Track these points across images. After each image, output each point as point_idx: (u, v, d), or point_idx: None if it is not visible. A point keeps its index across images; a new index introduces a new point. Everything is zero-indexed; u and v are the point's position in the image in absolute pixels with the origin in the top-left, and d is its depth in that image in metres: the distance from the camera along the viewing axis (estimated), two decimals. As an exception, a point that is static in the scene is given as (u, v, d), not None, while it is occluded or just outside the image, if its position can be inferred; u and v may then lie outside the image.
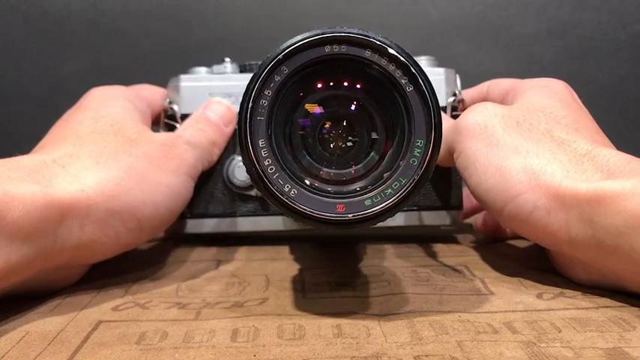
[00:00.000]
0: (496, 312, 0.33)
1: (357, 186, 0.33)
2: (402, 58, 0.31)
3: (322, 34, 0.30)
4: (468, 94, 0.51)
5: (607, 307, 0.33)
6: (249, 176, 0.31)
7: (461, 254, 0.47)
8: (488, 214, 0.51)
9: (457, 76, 0.52)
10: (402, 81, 0.31)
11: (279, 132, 0.32)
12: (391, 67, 0.31)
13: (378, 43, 0.31)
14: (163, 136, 0.45)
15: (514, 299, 0.35)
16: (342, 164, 0.34)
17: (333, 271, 0.42)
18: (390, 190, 0.31)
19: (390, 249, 0.49)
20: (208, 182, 0.50)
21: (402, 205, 0.31)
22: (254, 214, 0.50)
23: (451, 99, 0.51)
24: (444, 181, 0.51)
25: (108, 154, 0.39)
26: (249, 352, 0.28)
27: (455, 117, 0.45)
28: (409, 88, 0.31)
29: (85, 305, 0.36)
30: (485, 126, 0.39)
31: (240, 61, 0.52)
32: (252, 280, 0.40)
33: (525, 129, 0.38)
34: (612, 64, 0.81)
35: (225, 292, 0.38)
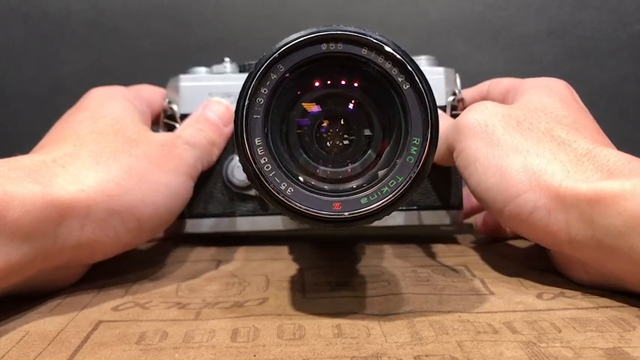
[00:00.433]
0: (496, 312, 0.33)
1: (353, 184, 0.33)
2: (398, 56, 0.31)
3: (319, 32, 0.30)
4: (468, 93, 0.51)
5: (607, 307, 0.33)
6: (245, 175, 0.31)
7: (461, 254, 0.47)
8: (488, 214, 0.51)
9: (457, 75, 0.52)
10: (399, 79, 0.31)
11: (275, 130, 0.32)
12: (388, 65, 0.31)
13: (374, 41, 0.31)
14: (163, 136, 0.45)
15: (514, 299, 0.35)
16: (338, 162, 0.34)
17: (333, 271, 0.42)
18: (386, 189, 0.31)
19: (389, 249, 0.49)
20: (208, 182, 0.50)
21: (398, 203, 0.31)
22: (253, 213, 0.50)
23: (451, 98, 0.51)
24: (443, 181, 0.51)
25: (108, 154, 0.39)
26: (249, 352, 0.28)
27: (454, 116, 0.45)
28: (406, 86, 0.31)
29: (85, 305, 0.36)
30: (486, 125, 0.39)
31: (240, 61, 0.52)
32: (252, 280, 0.40)
33: (526, 128, 0.38)
34: (612, 64, 0.81)
35: (225, 292, 0.38)
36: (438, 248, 0.49)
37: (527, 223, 0.36)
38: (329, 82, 0.33)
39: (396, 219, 0.50)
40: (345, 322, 0.32)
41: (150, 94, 0.50)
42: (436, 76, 0.50)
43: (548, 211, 0.35)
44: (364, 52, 0.31)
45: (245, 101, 0.30)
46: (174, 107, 0.50)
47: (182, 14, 0.81)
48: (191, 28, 0.81)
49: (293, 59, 0.31)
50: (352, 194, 0.31)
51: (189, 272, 0.43)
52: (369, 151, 0.34)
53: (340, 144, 0.34)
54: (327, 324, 0.32)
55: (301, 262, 0.46)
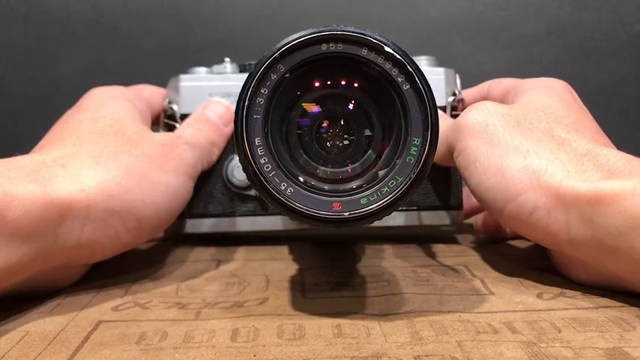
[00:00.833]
0: (496, 312, 0.33)
1: (353, 184, 0.33)
2: (398, 57, 0.31)
3: (319, 32, 0.30)
4: (468, 93, 0.51)
5: (607, 307, 0.33)
6: (245, 175, 0.31)
7: (461, 254, 0.47)
8: (488, 214, 0.51)
9: (457, 75, 0.52)
10: (399, 79, 0.31)
11: (275, 130, 0.32)
12: (388, 66, 0.31)
13: (374, 41, 0.31)
14: (163, 136, 0.45)
15: (514, 299, 0.35)
16: (338, 163, 0.34)
17: (333, 271, 0.42)
18: (386, 189, 0.31)
19: (389, 249, 0.49)
20: (208, 182, 0.50)
21: (398, 203, 0.31)
22: (253, 213, 0.50)
23: (451, 98, 0.51)
24: (443, 181, 0.51)
25: (108, 154, 0.39)
26: (249, 352, 0.28)
27: (454, 117, 0.45)
28: (406, 87, 0.31)
29: (85, 305, 0.36)
30: (486, 125, 0.39)
31: (240, 61, 0.52)
32: (252, 280, 0.40)
33: (526, 128, 0.38)
34: (612, 64, 0.81)
35: (225, 292, 0.38)
36: (438, 248, 0.49)
37: (528, 223, 0.36)
38: (329, 83, 0.33)
39: (396, 219, 0.50)
40: (345, 322, 0.32)
41: (150, 94, 0.50)
42: (436, 76, 0.50)
43: (549, 211, 0.35)
44: (364, 52, 0.31)
45: (245, 101, 0.30)
46: (175, 107, 0.50)
47: (182, 14, 0.81)
48: (191, 28, 0.81)
49: (293, 59, 0.31)
50: (352, 194, 0.31)
51: (189, 272, 0.43)
52: (369, 152, 0.34)
53: (340, 144, 0.34)
54: (327, 324, 0.32)
55: (301, 262, 0.46)
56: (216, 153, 0.48)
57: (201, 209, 0.50)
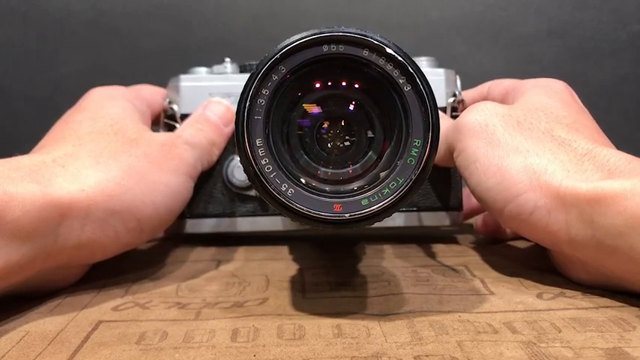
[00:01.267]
0: (496, 312, 0.33)
1: (354, 185, 0.33)
2: (399, 58, 0.31)
3: (320, 33, 0.30)
4: (468, 94, 0.51)
5: (607, 307, 0.33)
6: (246, 175, 0.31)
7: (461, 254, 0.47)
8: (488, 214, 0.51)
9: (457, 77, 0.52)
10: (400, 81, 0.31)
11: (276, 131, 0.32)
12: (389, 67, 0.31)
13: (375, 42, 0.31)
14: (163, 136, 0.45)
15: (514, 299, 0.35)
16: (339, 164, 0.34)
17: (333, 271, 0.42)
18: (387, 190, 0.31)
19: (389, 249, 0.49)
20: (208, 182, 0.50)
21: (399, 205, 0.31)
22: (253, 214, 0.50)
23: (451, 99, 0.51)
24: (443, 182, 0.51)
25: (108, 154, 0.39)
26: (249, 352, 0.28)
27: (455, 118, 0.45)
28: (407, 88, 0.31)
29: (85, 305, 0.36)
30: (486, 125, 0.39)
31: (241, 61, 0.52)
32: (252, 280, 0.40)
33: (526, 128, 0.38)
34: (612, 64, 0.81)
35: (225, 292, 0.38)
36: (438, 248, 0.49)
37: (528, 223, 0.36)
38: (330, 84, 0.33)
39: (396, 220, 0.50)
40: (345, 322, 0.32)
41: (150, 94, 0.50)
42: (436, 77, 0.50)
43: (549, 211, 0.35)
44: (365, 53, 0.31)
45: (246, 102, 0.30)
46: (175, 107, 0.50)
47: (182, 14, 0.81)
48: (191, 28, 0.81)
49: (294, 60, 0.31)
50: (353, 195, 0.31)
51: (189, 272, 0.43)
52: (370, 153, 0.34)
53: (341, 145, 0.34)
54: (327, 324, 0.32)
55: (301, 262, 0.46)
56: (216, 153, 0.48)
57: (201, 209, 0.50)
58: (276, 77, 0.31)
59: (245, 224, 0.51)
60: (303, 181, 0.32)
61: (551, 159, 0.36)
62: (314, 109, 0.33)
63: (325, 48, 0.31)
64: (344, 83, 0.33)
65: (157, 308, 0.35)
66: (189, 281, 0.41)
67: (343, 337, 0.30)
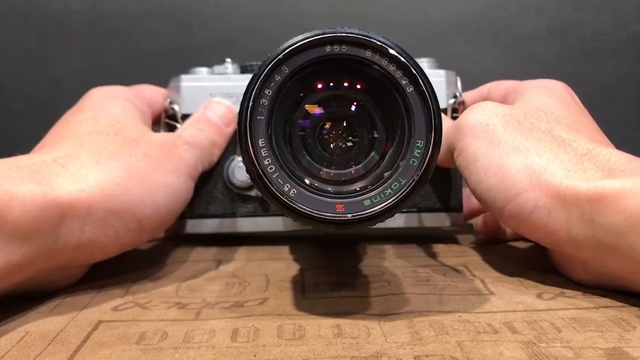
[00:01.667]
0: (496, 312, 0.33)
1: (357, 186, 0.33)
2: (402, 59, 0.31)
3: (323, 34, 0.30)
4: (469, 96, 0.51)
5: (607, 307, 0.33)
6: (248, 176, 0.31)
7: (461, 254, 0.47)
8: (488, 215, 0.51)
9: (458, 78, 0.52)
10: (403, 82, 0.31)
11: (279, 132, 0.32)
12: (392, 68, 0.31)
13: (378, 43, 0.31)
14: (163, 136, 0.45)
15: (514, 299, 0.35)
16: (342, 164, 0.34)
17: (333, 271, 0.42)
18: (389, 191, 0.31)
19: (390, 249, 0.49)
20: (208, 182, 0.50)
21: (401, 205, 0.31)
22: (254, 214, 0.50)
23: (452, 101, 0.51)
24: (443, 183, 0.51)
25: (108, 154, 0.39)
26: (249, 352, 0.28)
27: (455, 119, 0.45)
28: (409, 89, 0.31)
29: (85, 305, 0.36)
30: (487, 124, 0.39)
31: (241, 62, 0.52)
32: (252, 280, 0.40)
33: (526, 128, 0.38)
34: (612, 64, 0.81)
35: (225, 292, 0.38)
36: (439, 248, 0.49)
37: (528, 223, 0.36)
38: (332, 84, 0.33)
39: (396, 221, 0.50)
40: (345, 322, 0.32)
41: (150, 94, 0.50)
42: (437, 78, 0.50)
43: (549, 211, 0.35)
44: (368, 54, 0.31)
45: (249, 102, 0.30)
46: (176, 107, 0.50)
47: (182, 14, 0.81)
48: (191, 28, 0.81)
49: (297, 61, 0.31)
50: (355, 196, 0.31)
51: (189, 272, 0.43)
52: (372, 153, 0.34)
53: (343, 146, 0.34)
54: (327, 324, 0.32)
55: (301, 262, 0.46)
56: (217, 153, 0.48)
57: (202, 210, 0.50)
58: (279, 77, 0.31)
59: (246, 225, 0.51)
60: (305, 181, 0.32)
61: (551, 158, 0.36)
62: (316, 109, 0.33)
63: (328, 48, 0.31)
64: (346, 84, 0.33)
65: (157, 308, 0.35)
66: (190, 281, 0.41)
67: (343, 337, 0.30)
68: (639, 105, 0.82)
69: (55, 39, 0.80)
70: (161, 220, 0.42)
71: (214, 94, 0.50)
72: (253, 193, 0.50)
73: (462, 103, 0.51)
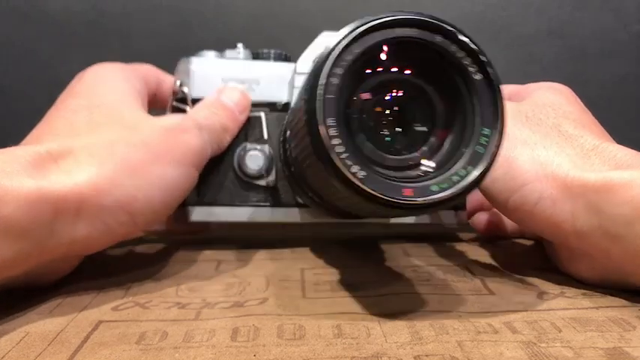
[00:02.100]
0: (496, 312, 0.33)
1: (420, 171, 0.32)
2: (472, 46, 0.31)
3: (394, 16, 0.30)
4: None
5: (607, 307, 0.33)
6: (315, 157, 0.30)
7: (461, 254, 0.47)
8: (489, 215, 0.51)
9: None
10: (471, 69, 0.31)
11: (346, 113, 0.31)
12: (460, 54, 0.31)
13: (449, 28, 0.30)
14: (170, 119, 0.44)
15: (514, 299, 0.35)
16: (404, 149, 0.33)
17: (333, 271, 0.42)
18: (456, 177, 0.31)
19: (389, 249, 0.49)
20: (218, 171, 0.48)
21: (468, 192, 0.31)
22: (264, 204, 0.49)
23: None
24: None
25: (103, 147, 0.38)
26: (249, 351, 0.28)
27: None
28: (477, 77, 0.31)
29: (85, 305, 0.36)
30: None
31: (254, 49, 0.51)
32: (252, 280, 0.40)
33: (534, 123, 0.39)
34: (612, 64, 0.81)
35: (225, 292, 0.38)
36: (439, 248, 0.49)
37: (532, 214, 0.36)
38: (398, 68, 0.33)
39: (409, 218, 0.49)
40: (345, 322, 0.32)
41: (146, 72, 0.49)
42: None
43: (554, 202, 0.35)
44: (438, 39, 0.31)
45: (321, 80, 0.29)
46: (186, 90, 0.48)
47: (182, 14, 0.81)
48: (191, 28, 0.81)
49: (367, 42, 0.30)
50: (421, 181, 0.31)
51: (189, 272, 0.43)
52: (434, 139, 0.33)
53: (407, 130, 0.33)
54: (327, 324, 0.32)
55: (301, 262, 0.46)
56: (227, 139, 0.47)
57: (209, 198, 0.49)
58: (349, 57, 0.30)
59: (254, 214, 0.49)
60: (372, 164, 0.32)
61: (558, 152, 0.36)
62: (379, 93, 0.33)
63: (398, 31, 0.30)
64: (412, 68, 0.33)
65: (157, 308, 0.35)
66: (190, 281, 0.41)
67: (343, 337, 0.30)
68: (639, 105, 0.82)
69: (55, 39, 0.80)
70: (155, 214, 0.40)
71: (226, 79, 0.49)
72: (263, 182, 0.49)
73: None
